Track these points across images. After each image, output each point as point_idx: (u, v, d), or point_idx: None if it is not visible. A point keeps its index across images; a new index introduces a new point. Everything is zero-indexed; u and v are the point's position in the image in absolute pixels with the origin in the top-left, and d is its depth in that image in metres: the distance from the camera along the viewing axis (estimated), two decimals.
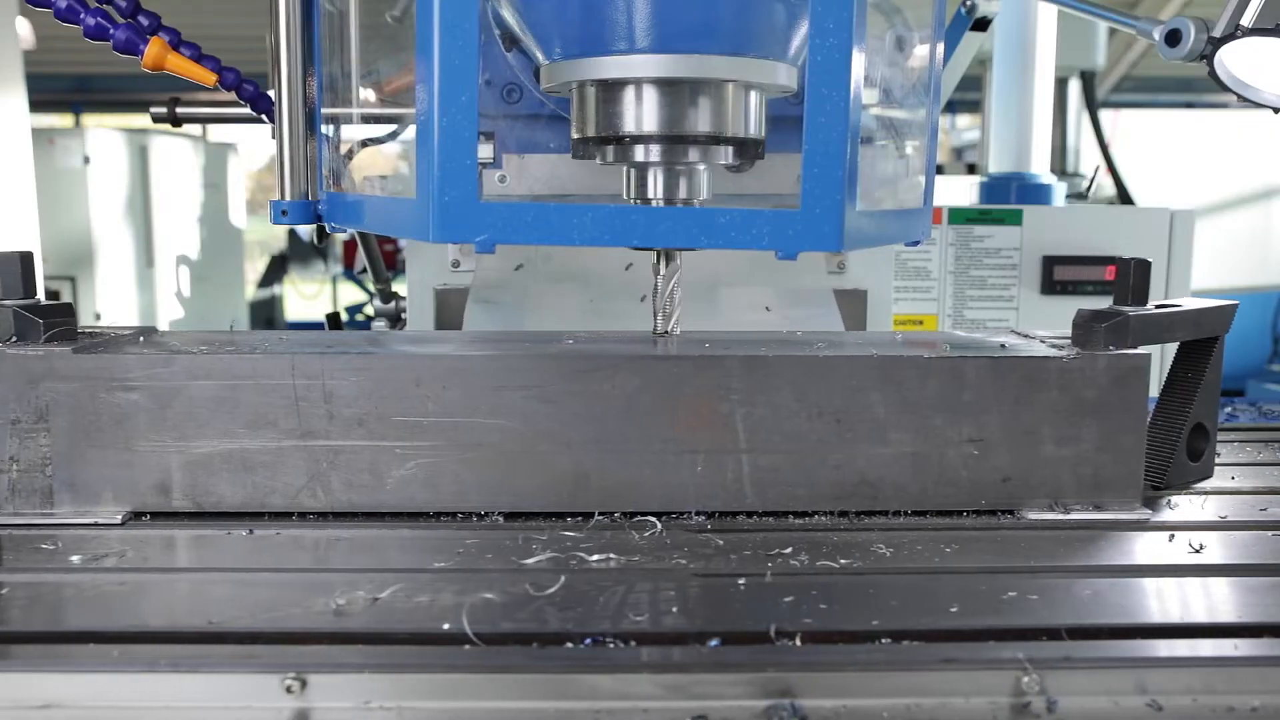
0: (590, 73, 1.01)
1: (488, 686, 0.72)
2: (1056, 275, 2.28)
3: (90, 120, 9.54)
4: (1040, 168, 2.87)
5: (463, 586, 0.84)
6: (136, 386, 0.98)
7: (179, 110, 1.35)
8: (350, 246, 8.45)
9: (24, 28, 6.03)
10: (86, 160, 6.75)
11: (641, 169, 1.06)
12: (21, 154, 5.08)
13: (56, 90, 9.33)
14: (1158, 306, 1.05)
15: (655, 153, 1.03)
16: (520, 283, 1.49)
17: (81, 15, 1.19)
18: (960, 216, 2.30)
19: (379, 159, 1.30)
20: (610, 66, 0.99)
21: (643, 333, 1.11)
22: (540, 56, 1.07)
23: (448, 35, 0.84)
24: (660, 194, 1.06)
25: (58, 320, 1.01)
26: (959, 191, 3.27)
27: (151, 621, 0.79)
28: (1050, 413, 1.00)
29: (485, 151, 1.31)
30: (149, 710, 0.71)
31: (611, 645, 0.75)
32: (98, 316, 6.56)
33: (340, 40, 1.17)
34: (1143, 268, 1.04)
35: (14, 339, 1.00)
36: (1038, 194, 2.78)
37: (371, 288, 2.44)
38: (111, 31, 1.19)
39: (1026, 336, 1.11)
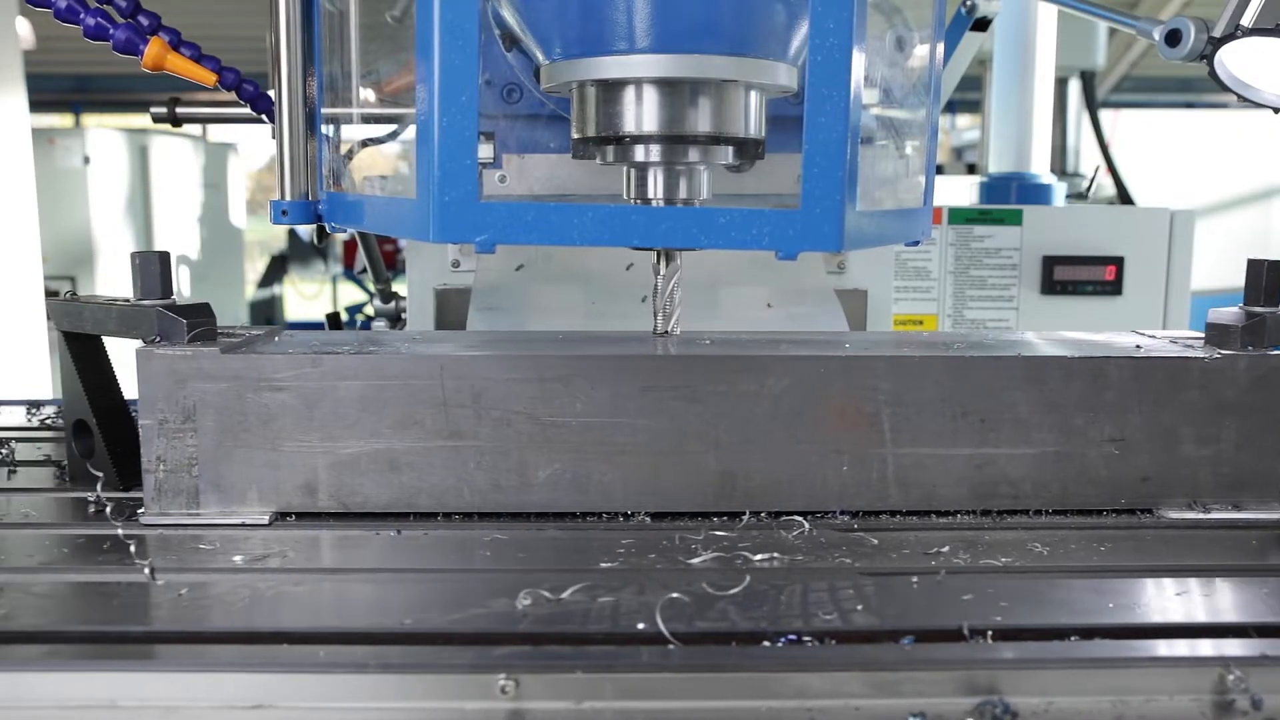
0: (590, 72, 1.00)
1: (699, 685, 0.72)
2: (1056, 275, 2.28)
3: (90, 120, 9.48)
4: (1040, 168, 2.88)
5: (639, 587, 0.84)
6: (284, 387, 0.98)
7: (179, 110, 1.34)
8: (350, 246, 8.43)
9: (24, 28, 5.99)
10: (86, 160, 6.72)
11: (641, 169, 1.06)
12: (21, 154, 5.04)
13: (56, 90, 9.27)
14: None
15: (655, 153, 1.03)
16: (521, 283, 1.48)
17: (81, 15, 1.19)
18: (960, 216, 2.30)
19: (379, 159, 1.30)
20: (610, 66, 0.99)
21: (788, 334, 1.12)
22: (540, 56, 1.06)
23: (448, 35, 0.84)
24: (660, 194, 1.05)
25: (199, 320, 1.01)
26: (959, 191, 3.28)
27: (343, 622, 0.79)
28: (1190, 413, 1.01)
29: (485, 151, 1.31)
30: (360, 711, 0.71)
31: (809, 643, 0.76)
32: None
33: (340, 40, 1.16)
34: (1275, 268, 1.05)
35: (158, 339, 1.00)
36: (1038, 194, 2.79)
37: (371, 288, 2.44)
38: (111, 31, 1.19)
39: (1151, 336, 1.12)
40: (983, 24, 1.84)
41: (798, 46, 1.00)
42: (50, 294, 6.00)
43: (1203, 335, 1.08)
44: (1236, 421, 1.01)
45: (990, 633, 0.77)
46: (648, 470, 1.00)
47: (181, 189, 7.55)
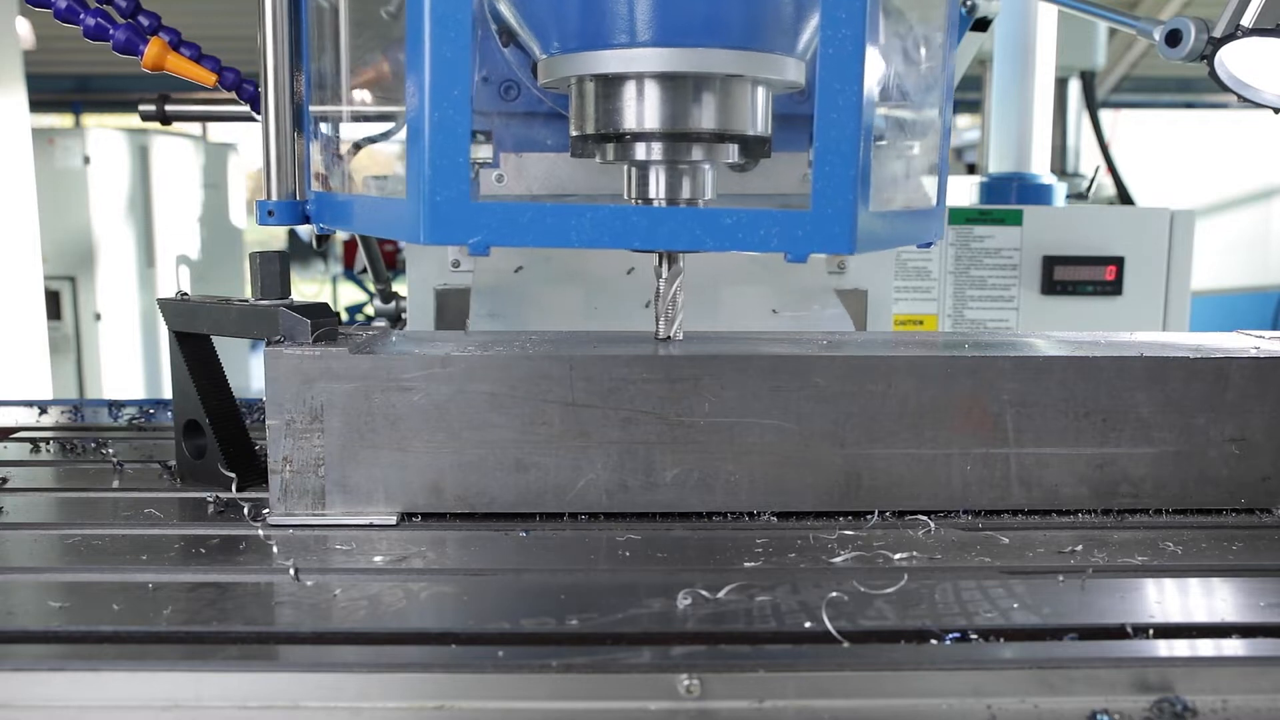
0: (589, 67, 0.96)
1: (877, 683, 0.72)
2: (1057, 275, 2.30)
3: (90, 120, 9.44)
4: (1040, 168, 2.88)
5: (791, 586, 0.85)
6: (413, 387, 0.98)
7: (168, 108, 1.33)
8: (350, 246, 8.40)
9: (24, 28, 5.96)
10: (86, 160, 6.68)
11: (643, 168, 1.02)
12: (21, 154, 5.03)
13: (56, 90, 9.23)
14: None
15: (657, 151, 1.00)
16: (519, 287, 1.46)
17: (81, 15, 1.18)
18: (960, 216, 2.31)
19: (369, 158, 1.28)
20: (610, 61, 0.95)
21: (913, 333, 1.11)
22: (538, 51, 1.02)
23: (439, 26, 0.80)
24: (662, 194, 1.02)
25: (323, 320, 1.01)
26: (959, 191, 3.29)
27: (510, 622, 0.79)
28: None
29: (483, 151, 1.30)
30: (543, 710, 0.71)
31: (975, 640, 0.76)
32: (98, 317, 6.51)
33: (332, 36, 1.14)
34: None
35: (281, 339, 1.00)
36: (1038, 194, 2.80)
37: (371, 288, 2.43)
38: (111, 31, 1.18)
39: (1260, 337, 1.13)
40: (983, 24, 1.84)
41: (807, 40, 0.98)
42: (51, 294, 5.99)
43: None
44: None
45: (1151, 630, 0.78)
46: (774, 470, 1.00)
47: (182, 189, 7.52)
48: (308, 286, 10.10)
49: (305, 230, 1.31)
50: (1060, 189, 2.86)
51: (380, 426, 0.98)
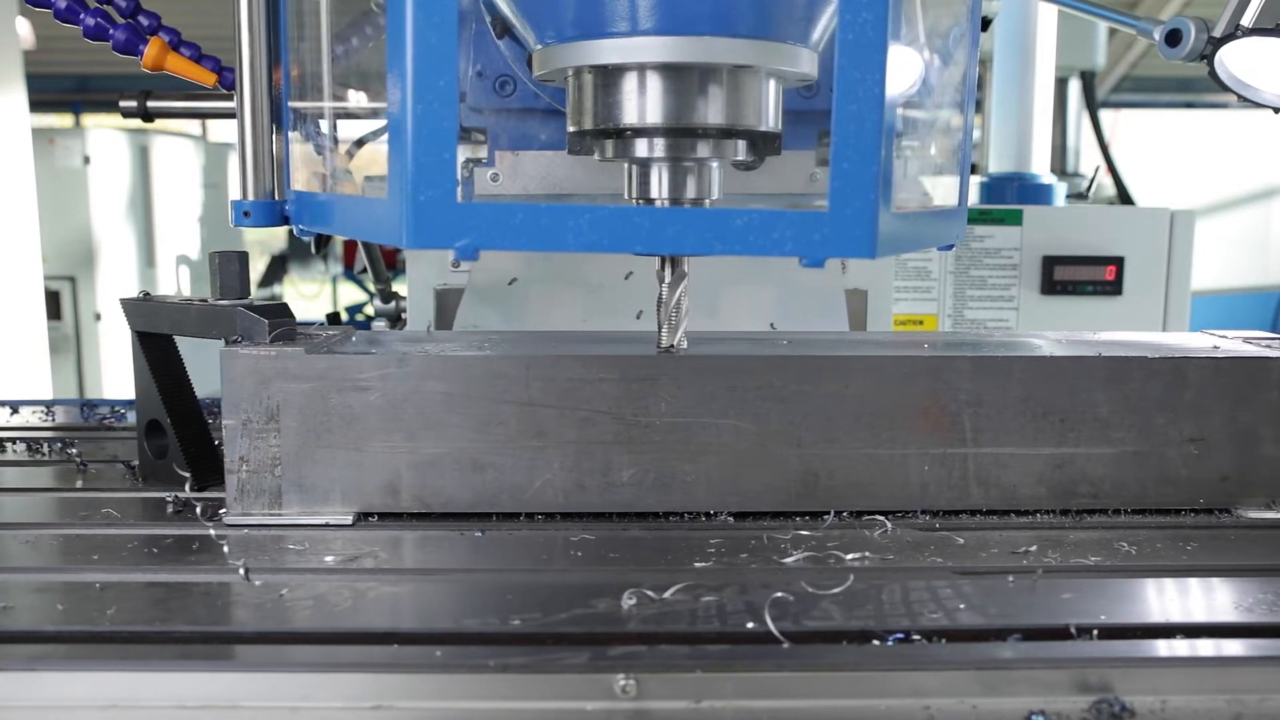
0: (587, 57, 0.91)
1: (816, 684, 0.72)
2: (1057, 275, 2.29)
3: (90, 120, 9.45)
4: (1040, 168, 2.89)
5: (739, 587, 0.85)
6: (369, 387, 0.98)
7: (150, 104, 1.29)
8: (350, 246, 8.40)
9: (24, 28, 5.98)
10: (86, 160, 6.69)
11: (645, 165, 0.97)
12: (21, 154, 5.04)
13: (56, 90, 9.24)
14: None
15: (660, 147, 0.94)
16: (510, 293, 1.44)
17: (81, 15, 1.18)
18: None
19: (352, 156, 1.26)
20: (609, 50, 0.89)
21: (876, 334, 1.11)
22: (533, 42, 0.97)
23: (423, 11, 0.74)
24: (666, 193, 0.97)
25: (281, 320, 1.01)
26: None
27: (454, 622, 0.79)
28: (1270, 412, 1.02)
29: (480, 151, 1.27)
30: (480, 711, 0.71)
31: (918, 642, 0.76)
32: (98, 317, 6.52)
33: (313, 27, 1.12)
34: None
35: (239, 339, 1.00)
36: (1038, 194, 2.80)
37: (371, 288, 2.43)
38: (111, 32, 1.18)
39: (1224, 336, 1.13)
40: (983, 24, 1.84)
41: (821, 28, 0.93)
42: (52, 294, 6.00)
43: (1277, 335, 1.08)
44: None
45: (1095, 631, 0.78)
46: (730, 470, 1.00)
47: (182, 189, 7.53)
48: (307, 286, 10.11)
49: None
50: (1060, 189, 2.86)
51: (336, 426, 0.98)
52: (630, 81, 0.92)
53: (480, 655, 0.73)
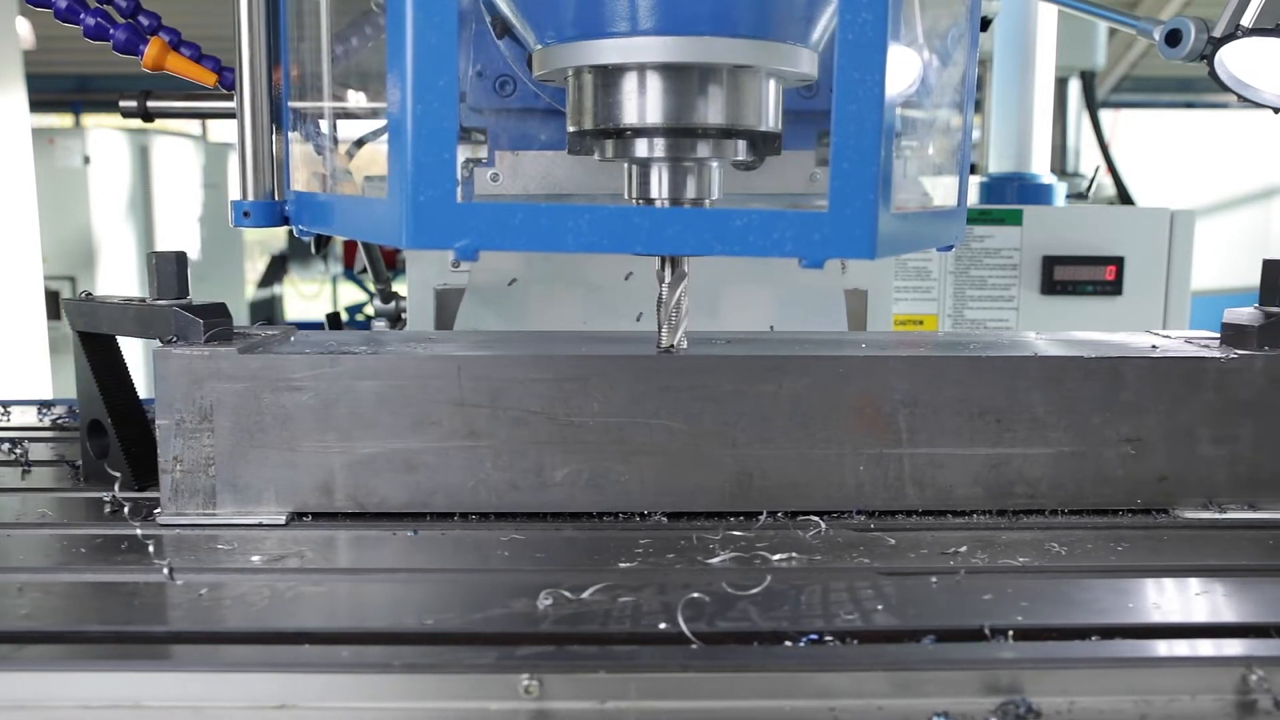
0: (587, 57, 0.91)
1: (722, 685, 0.72)
2: (1057, 275, 2.29)
3: (90, 120, 9.47)
4: (1040, 168, 2.88)
5: (660, 587, 0.85)
6: (302, 387, 0.98)
7: (150, 104, 1.29)
8: (350, 246, 8.42)
9: (24, 28, 5.99)
10: (86, 160, 6.71)
11: (645, 165, 0.97)
12: (21, 154, 5.05)
13: (56, 90, 9.27)
14: None
15: (660, 147, 0.94)
16: (509, 295, 1.44)
17: (81, 15, 1.19)
18: None
19: (352, 157, 1.25)
20: (609, 50, 0.89)
21: (807, 334, 1.10)
22: (533, 42, 0.97)
23: (423, 10, 0.74)
24: (666, 193, 0.97)
25: (216, 320, 1.01)
26: None
27: (365, 623, 0.79)
28: (1207, 413, 1.01)
29: (478, 150, 1.27)
30: (383, 711, 0.71)
31: (830, 643, 0.76)
32: None
33: (313, 26, 1.11)
34: None
35: (174, 339, 1.00)
36: (1038, 194, 2.80)
37: (371, 288, 2.43)
38: (111, 31, 1.19)
39: (1166, 336, 1.12)
40: (983, 24, 1.84)
41: (821, 28, 0.93)
42: (52, 294, 6.02)
43: (1219, 335, 1.08)
44: (1253, 422, 1.02)
45: (1011, 632, 0.77)
46: (664, 470, 1.00)
47: (182, 189, 7.54)
48: (308, 286, 10.12)
49: None
50: (1060, 189, 2.86)
51: (270, 426, 0.98)
52: (630, 81, 0.92)
53: (388, 655, 0.73)
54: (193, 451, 0.98)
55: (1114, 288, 2.27)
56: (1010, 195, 2.81)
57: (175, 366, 0.98)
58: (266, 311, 9.31)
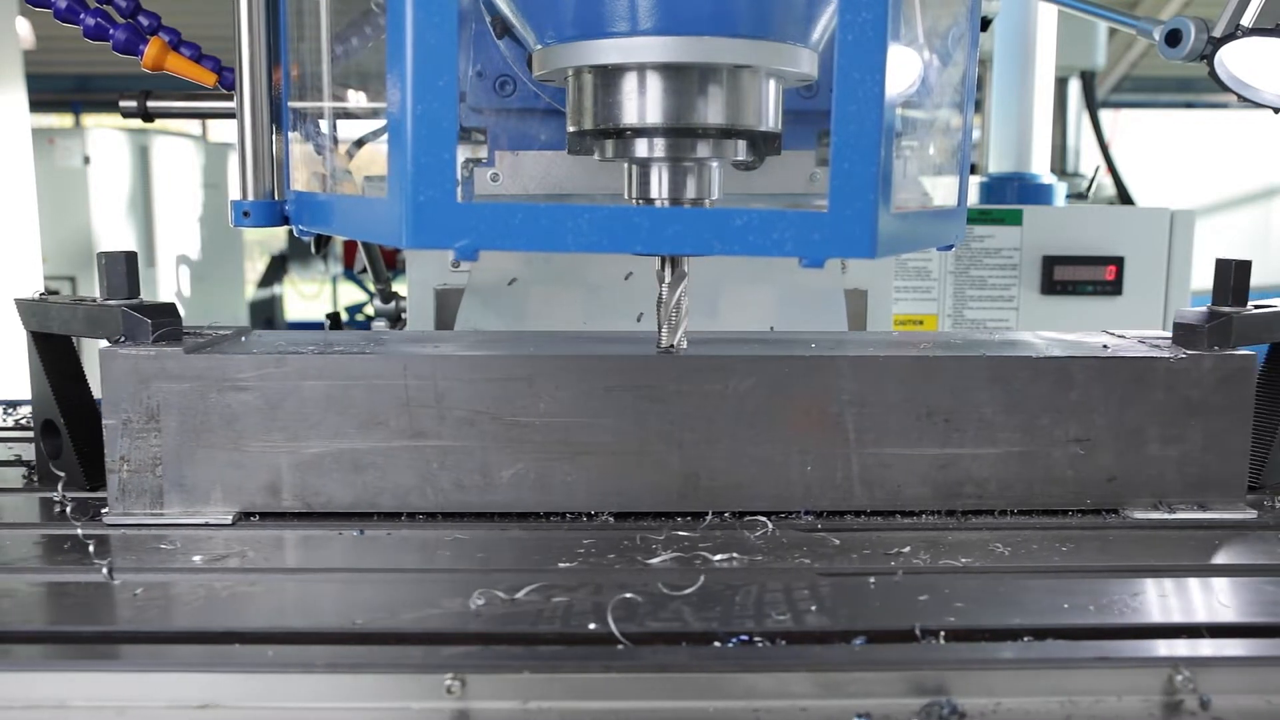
0: (587, 57, 0.91)
1: (646, 686, 0.72)
2: (1057, 275, 2.29)
3: (90, 120, 9.49)
4: (1040, 168, 2.88)
5: (596, 587, 0.84)
6: (248, 387, 0.98)
7: (150, 104, 1.29)
8: (350, 246, 8.42)
9: (24, 28, 6.01)
10: (86, 160, 6.72)
11: (645, 165, 0.97)
12: (21, 154, 5.06)
13: (56, 90, 9.28)
14: (1256, 307, 1.06)
15: (660, 147, 0.94)
16: (508, 294, 1.44)
17: (81, 15, 1.18)
18: None
19: (352, 157, 1.25)
20: (609, 50, 0.89)
21: (751, 333, 1.10)
22: (533, 42, 0.97)
23: (423, 10, 0.74)
24: (666, 193, 0.97)
25: (164, 320, 1.01)
26: None
27: (296, 622, 0.79)
28: (1156, 413, 1.01)
29: (479, 151, 1.26)
30: (307, 711, 0.71)
31: (759, 644, 0.75)
32: None
33: (312, 28, 1.11)
34: (1243, 268, 1.05)
35: (123, 339, 1.00)
36: (1038, 194, 2.80)
37: (371, 288, 2.43)
38: (111, 32, 1.18)
39: (1121, 336, 1.12)
40: (983, 24, 1.84)
41: (821, 28, 0.93)
42: (52, 294, 6.04)
43: (1171, 335, 1.08)
44: (1202, 422, 1.01)
45: (943, 633, 0.77)
46: (611, 470, 1.00)
47: (182, 189, 7.56)
48: (308, 286, 10.12)
49: None
50: (1060, 189, 2.86)
51: (216, 426, 0.99)
52: (630, 81, 0.92)
53: (313, 655, 0.73)
54: (139, 451, 0.98)
55: (1114, 288, 2.27)
56: (1010, 195, 2.81)
57: (121, 366, 0.98)
58: (267, 311, 9.31)
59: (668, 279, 1.02)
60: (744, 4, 0.88)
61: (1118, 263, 2.26)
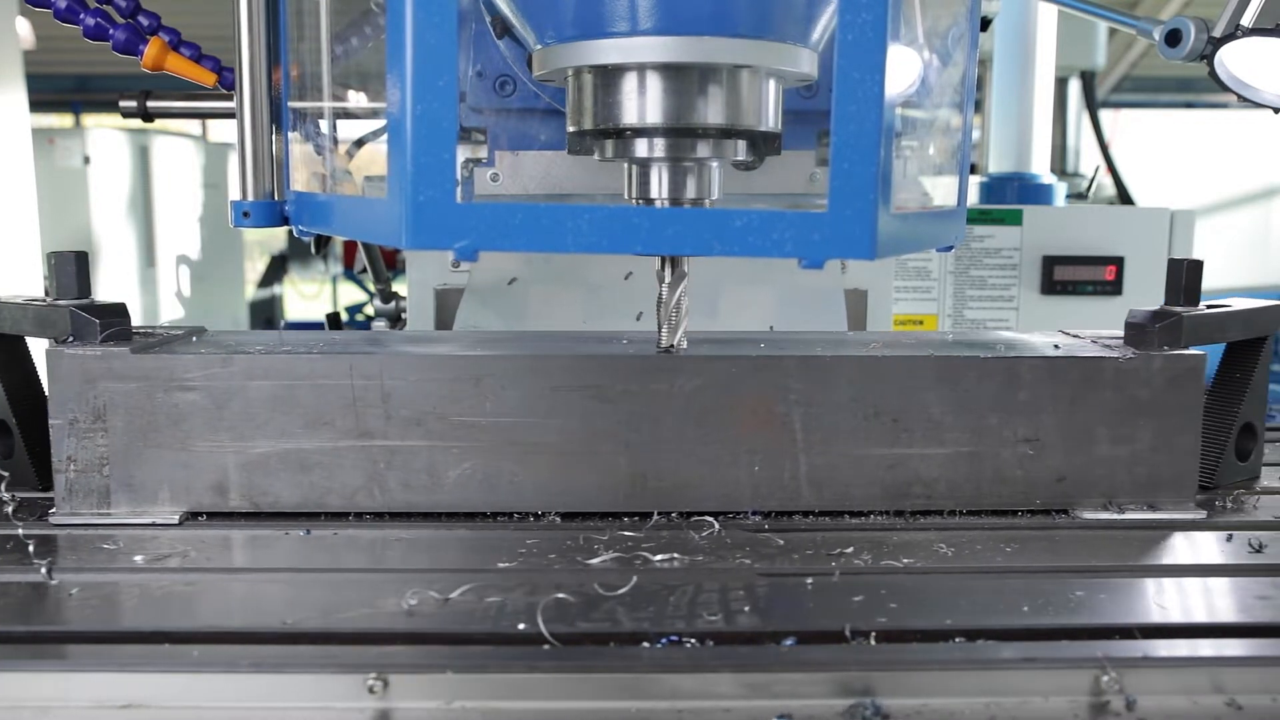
0: (587, 57, 0.91)
1: (570, 686, 0.72)
2: (1056, 275, 2.29)
3: (90, 120, 9.51)
4: (1040, 168, 2.88)
5: (531, 587, 0.84)
6: (194, 386, 0.98)
7: (150, 104, 1.29)
8: (350, 246, 8.43)
9: (24, 28, 6.02)
10: (86, 160, 6.74)
11: (644, 165, 0.97)
12: (21, 154, 5.07)
13: (56, 90, 9.31)
14: (1209, 306, 1.06)
15: (660, 147, 0.94)
16: (508, 294, 1.44)
17: (81, 15, 1.19)
18: None
19: (352, 157, 1.25)
20: (609, 50, 0.89)
21: (702, 333, 1.10)
22: (533, 42, 0.97)
23: (422, 10, 0.74)
24: (666, 193, 0.97)
25: (113, 320, 1.01)
26: None
27: (224, 622, 0.79)
28: (1105, 413, 1.01)
29: (479, 151, 1.27)
30: (230, 710, 0.71)
31: (689, 645, 0.75)
32: None
33: (312, 28, 1.12)
34: (1195, 267, 1.05)
35: (71, 339, 1.00)
36: (1038, 194, 2.80)
37: (371, 288, 2.44)
38: (111, 32, 1.19)
39: (1076, 336, 1.12)
40: (983, 24, 1.83)
41: (821, 28, 0.93)
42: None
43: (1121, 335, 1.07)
44: (1152, 422, 1.01)
45: (873, 634, 0.77)
46: (558, 470, 1.00)
47: (182, 189, 7.57)
48: (308, 286, 10.14)
49: None
50: (1060, 189, 2.86)
51: (163, 426, 0.99)
52: (630, 81, 0.92)
53: (241, 654, 0.73)
54: (86, 451, 0.99)
55: (1114, 288, 2.27)
56: (1010, 195, 2.81)
57: (68, 366, 0.98)
58: (267, 311, 9.33)
59: (668, 279, 1.02)
60: (744, 4, 0.88)
61: (1118, 263, 2.26)
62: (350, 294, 9.49)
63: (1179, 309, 1.04)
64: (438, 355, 0.99)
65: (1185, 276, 1.05)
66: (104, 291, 6.54)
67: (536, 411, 0.99)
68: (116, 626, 0.78)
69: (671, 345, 1.03)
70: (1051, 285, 2.30)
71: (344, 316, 2.68)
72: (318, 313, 8.89)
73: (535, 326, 1.43)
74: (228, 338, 1.09)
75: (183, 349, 1.00)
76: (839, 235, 0.78)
